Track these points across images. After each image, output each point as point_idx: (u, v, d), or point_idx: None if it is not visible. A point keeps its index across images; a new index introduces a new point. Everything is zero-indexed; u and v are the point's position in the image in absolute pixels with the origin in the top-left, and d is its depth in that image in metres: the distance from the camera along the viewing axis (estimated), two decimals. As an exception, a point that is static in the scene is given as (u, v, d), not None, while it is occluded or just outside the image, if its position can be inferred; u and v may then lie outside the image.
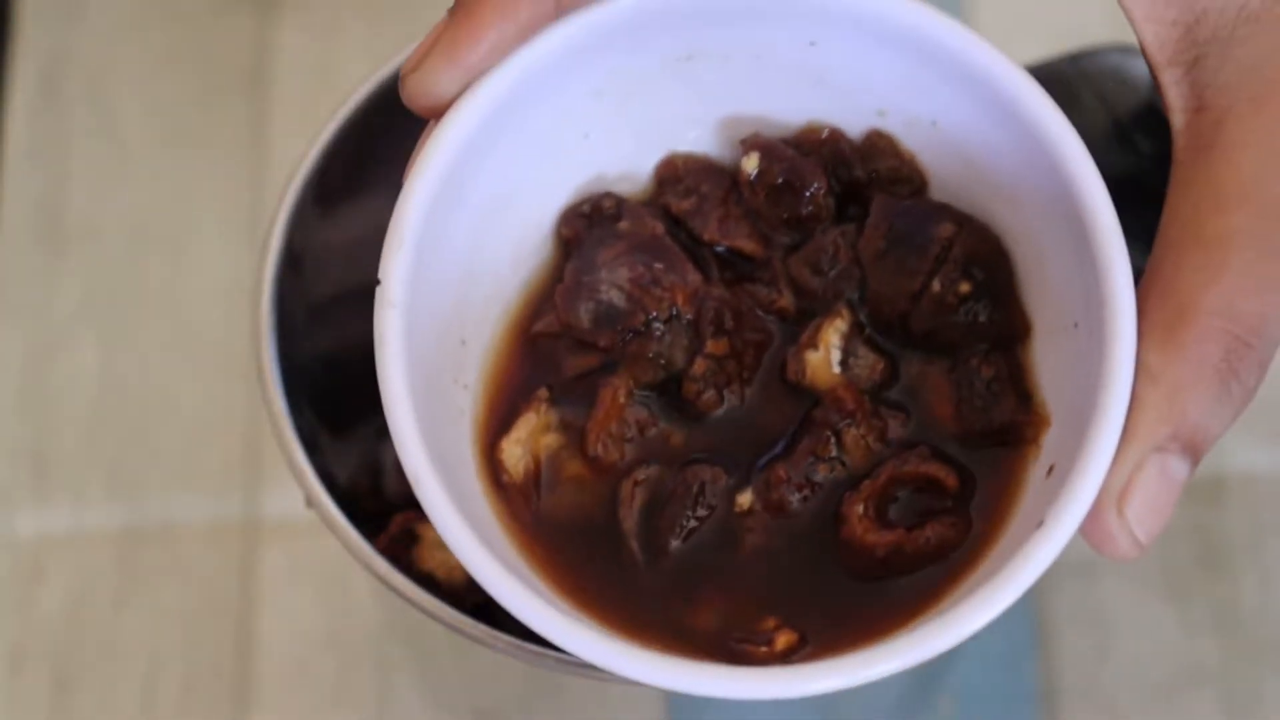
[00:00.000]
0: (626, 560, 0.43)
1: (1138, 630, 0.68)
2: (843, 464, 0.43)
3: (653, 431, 0.44)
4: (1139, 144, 0.55)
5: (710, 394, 0.44)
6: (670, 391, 0.44)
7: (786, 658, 0.41)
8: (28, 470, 0.72)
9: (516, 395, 0.44)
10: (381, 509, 0.56)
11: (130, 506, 0.71)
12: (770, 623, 0.42)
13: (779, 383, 0.44)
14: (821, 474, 0.43)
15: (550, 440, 0.44)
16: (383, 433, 0.64)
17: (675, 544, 0.42)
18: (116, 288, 0.75)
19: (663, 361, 0.44)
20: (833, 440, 0.43)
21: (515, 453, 0.43)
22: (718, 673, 0.39)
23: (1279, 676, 0.67)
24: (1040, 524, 0.39)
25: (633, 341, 0.44)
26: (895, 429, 0.43)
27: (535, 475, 0.43)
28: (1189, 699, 0.67)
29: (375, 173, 0.57)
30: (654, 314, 0.44)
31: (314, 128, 0.55)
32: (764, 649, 0.41)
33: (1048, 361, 0.43)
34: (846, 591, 0.42)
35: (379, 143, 0.56)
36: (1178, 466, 0.39)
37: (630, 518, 0.43)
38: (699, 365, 0.44)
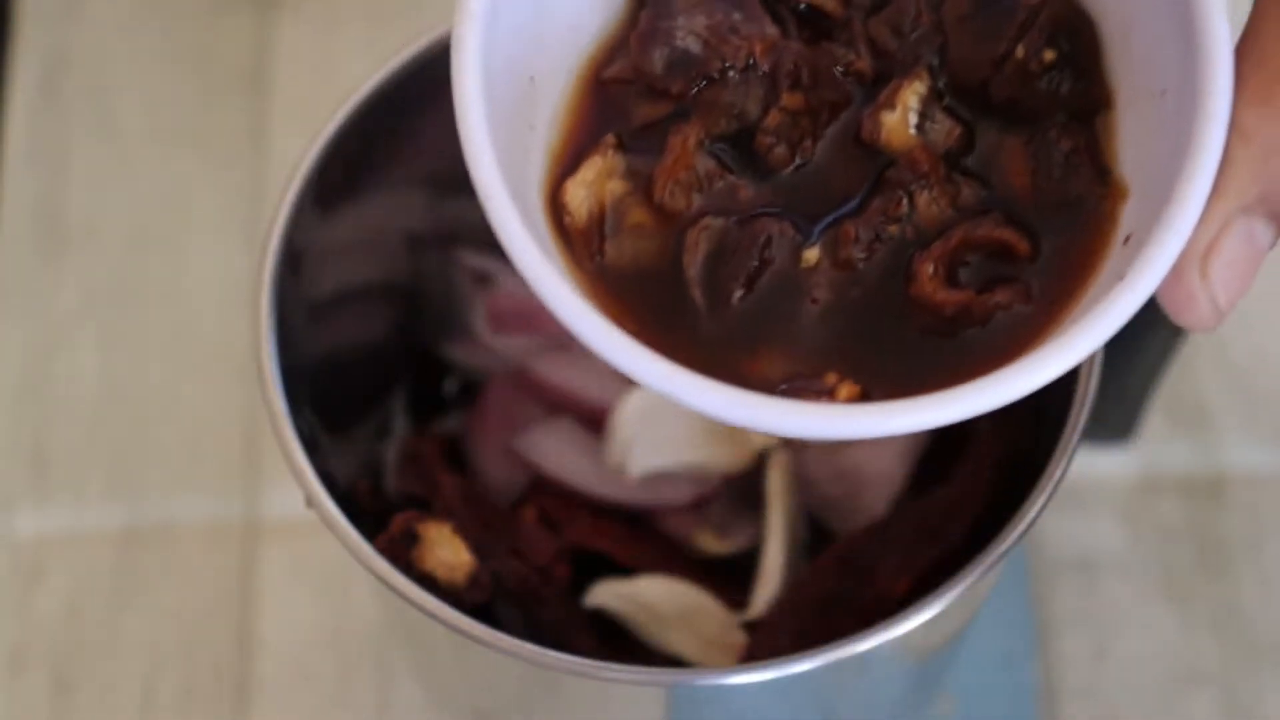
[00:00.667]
0: (689, 308, 0.42)
1: (1137, 630, 0.68)
2: (914, 225, 0.42)
3: (720, 183, 0.43)
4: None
5: (782, 148, 0.43)
6: (741, 144, 0.43)
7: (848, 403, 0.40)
8: (28, 470, 0.72)
9: (585, 143, 0.43)
10: (381, 509, 0.56)
11: (130, 506, 0.71)
12: (832, 377, 0.41)
13: (853, 143, 0.43)
14: (892, 233, 0.42)
15: (615, 186, 0.43)
16: (382, 432, 0.64)
17: (739, 294, 0.41)
18: (116, 288, 0.75)
19: (736, 111, 0.43)
20: (905, 200, 0.42)
21: (579, 195, 0.42)
22: (784, 407, 0.38)
23: (1278, 676, 0.67)
24: (1122, 277, 0.38)
25: (706, 89, 0.43)
26: (969, 195, 0.42)
27: (599, 221, 0.42)
28: (1188, 699, 0.67)
29: (375, 173, 0.57)
30: (730, 62, 0.43)
31: (314, 128, 0.55)
32: (825, 398, 0.40)
33: (1129, 134, 0.42)
34: (910, 350, 0.41)
35: (379, 143, 0.56)
36: (1263, 232, 0.38)
37: (694, 265, 0.42)
38: (773, 118, 0.43)
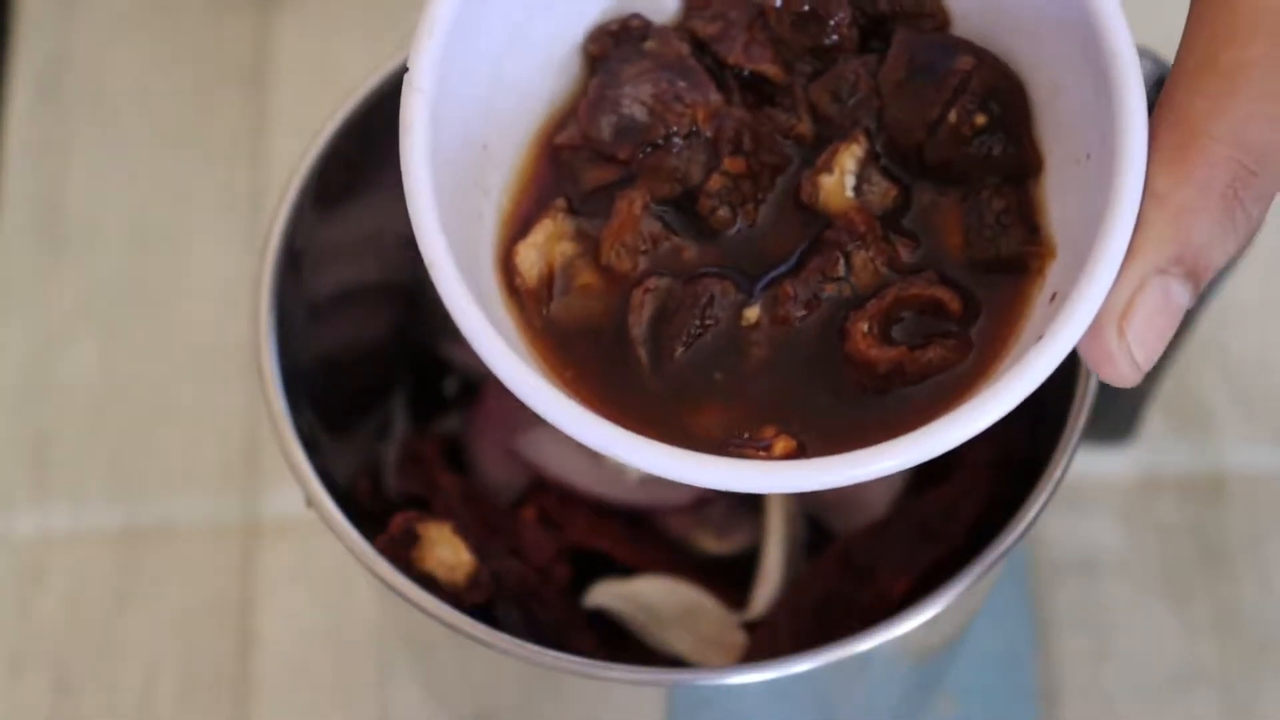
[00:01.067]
0: (633, 366, 0.43)
1: (1137, 630, 0.68)
2: (850, 284, 0.43)
3: (666, 245, 0.44)
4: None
5: (724, 211, 0.44)
6: (685, 207, 0.45)
7: (783, 459, 0.41)
8: (28, 470, 0.72)
9: (536, 205, 0.45)
10: (381, 509, 0.56)
11: (130, 506, 0.71)
12: (770, 431, 0.42)
13: (793, 205, 0.45)
14: (828, 292, 0.43)
15: (565, 248, 0.44)
16: (383, 432, 0.64)
17: (681, 351, 0.43)
18: (116, 288, 0.75)
19: (680, 176, 0.45)
20: (842, 261, 0.43)
21: (530, 257, 0.44)
22: (717, 464, 0.40)
23: (1278, 676, 0.67)
24: (1040, 337, 0.39)
25: (651, 155, 0.45)
26: (904, 255, 0.44)
27: (549, 281, 0.44)
28: (1188, 699, 0.67)
29: (375, 173, 0.57)
30: (674, 129, 0.45)
31: (314, 128, 0.55)
32: (762, 454, 0.42)
33: (1057, 195, 0.44)
34: (846, 406, 0.43)
35: (379, 143, 0.56)
36: (1179, 290, 0.39)
37: (639, 324, 0.43)
38: (715, 181, 0.44)
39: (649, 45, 0.46)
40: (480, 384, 0.65)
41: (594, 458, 0.61)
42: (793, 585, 0.59)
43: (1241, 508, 0.70)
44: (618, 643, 0.60)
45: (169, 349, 0.74)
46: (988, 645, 0.67)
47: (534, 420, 0.62)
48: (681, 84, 0.45)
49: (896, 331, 0.43)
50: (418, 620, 0.49)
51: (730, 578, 0.61)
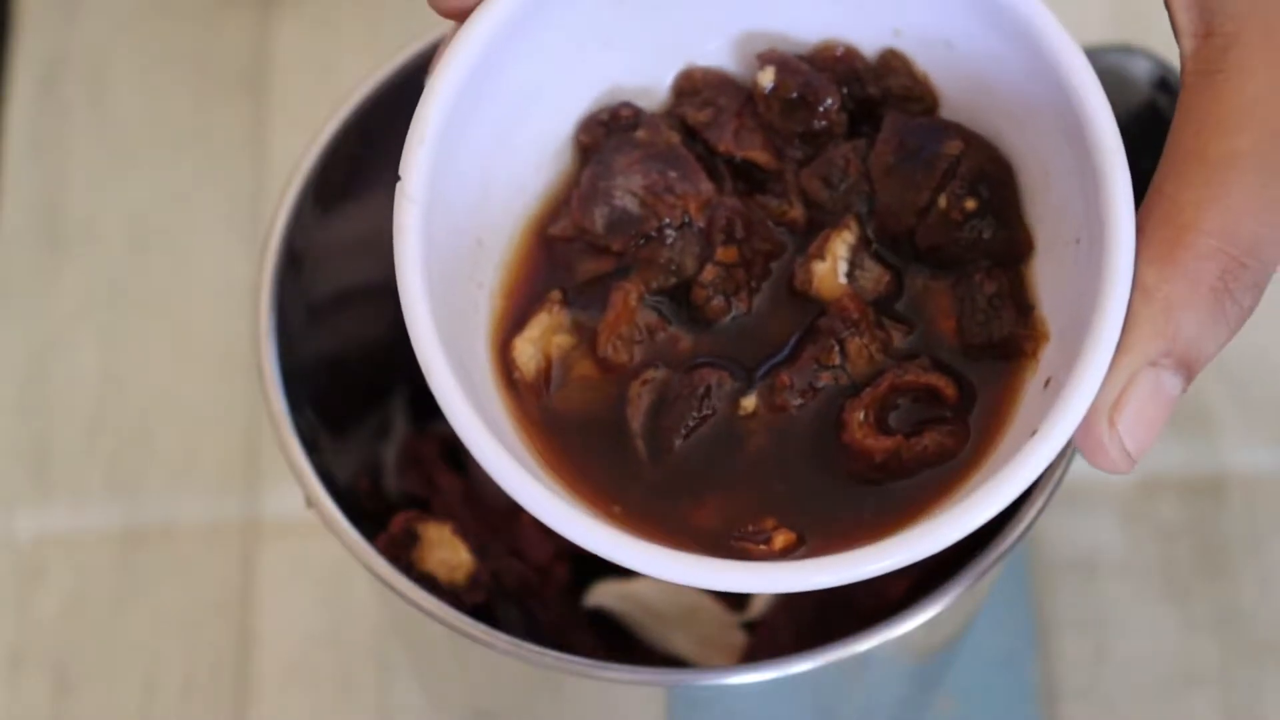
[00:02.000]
0: (632, 458, 0.44)
1: (1137, 630, 0.68)
2: (845, 372, 0.44)
3: (661, 335, 0.45)
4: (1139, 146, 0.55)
5: (719, 300, 0.45)
6: (680, 297, 0.45)
7: (784, 556, 0.42)
8: (28, 470, 0.72)
9: (531, 297, 0.45)
10: (381, 509, 0.56)
11: (130, 506, 0.71)
12: (769, 522, 0.43)
13: (786, 292, 0.45)
14: (824, 381, 0.44)
15: (562, 340, 0.45)
16: (382, 432, 0.64)
17: (679, 443, 0.43)
18: (116, 288, 0.75)
19: (674, 267, 0.45)
20: (836, 348, 0.44)
21: (528, 351, 0.44)
22: (713, 565, 0.40)
23: (1278, 676, 0.67)
24: (1034, 432, 0.40)
25: (645, 247, 0.45)
26: (898, 340, 0.44)
27: (546, 374, 0.44)
28: (1188, 699, 0.67)
29: (375, 173, 0.57)
30: (667, 220, 0.45)
31: (314, 127, 0.55)
32: (763, 547, 0.42)
33: (1048, 278, 0.44)
34: (844, 495, 0.43)
35: (379, 143, 0.56)
36: (1171, 382, 0.40)
37: (637, 417, 0.44)
38: (709, 272, 0.45)
39: (640, 135, 0.46)
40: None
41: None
42: (793, 585, 0.59)
43: (1241, 508, 0.70)
44: (618, 643, 0.60)
45: (169, 349, 0.74)
46: (987, 645, 0.67)
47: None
48: (673, 174, 0.45)
49: (892, 419, 0.43)
50: (418, 620, 0.49)
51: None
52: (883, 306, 0.45)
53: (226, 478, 0.71)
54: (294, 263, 0.54)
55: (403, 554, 0.52)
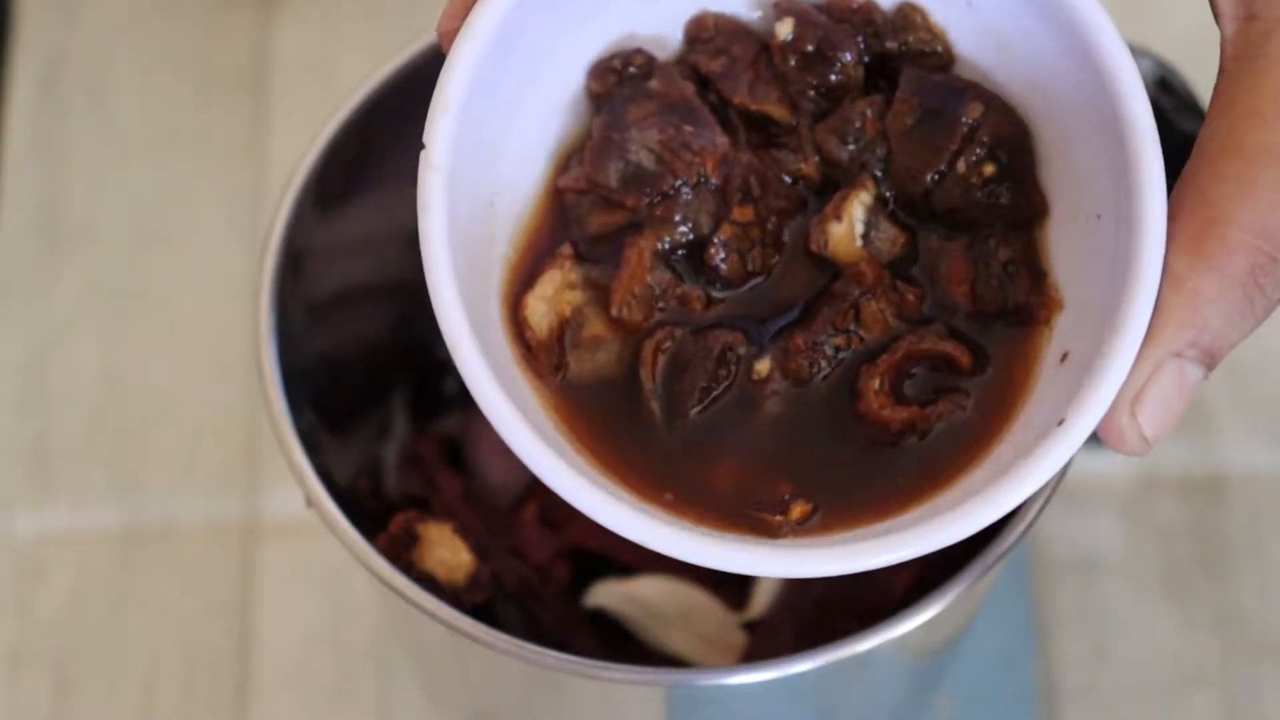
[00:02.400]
0: (646, 421, 0.43)
1: (1137, 630, 0.68)
2: (859, 336, 0.43)
3: (675, 294, 0.44)
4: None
5: (734, 259, 0.44)
6: (694, 255, 0.44)
7: (801, 525, 0.42)
8: (28, 470, 0.72)
9: (543, 253, 0.45)
10: (381, 509, 0.56)
11: (130, 506, 0.71)
12: (785, 488, 0.42)
13: (802, 252, 0.45)
14: (838, 345, 0.43)
15: (574, 297, 0.44)
16: (382, 432, 0.64)
17: (694, 409, 0.43)
18: (116, 288, 0.75)
19: (688, 225, 0.45)
20: (851, 312, 0.43)
21: (539, 309, 0.44)
22: (732, 545, 0.40)
23: (1278, 677, 0.67)
24: (1061, 422, 0.40)
25: (659, 205, 0.44)
26: (912, 304, 0.44)
27: (559, 333, 0.44)
28: (1188, 699, 0.67)
29: (375, 173, 0.57)
30: (682, 179, 0.44)
31: (314, 127, 0.55)
32: (779, 517, 0.42)
33: (1064, 247, 0.44)
34: (860, 464, 0.43)
35: (379, 143, 0.56)
36: (1194, 372, 0.40)
37: (651, 379, 0.43)
38: (725, 231, 0.44)
39: (654, 85, 0.45)
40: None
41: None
42: (793, 585, 0.59)
43: (1241, 508, 0.70)
44: (618, 643, 0.60)
45: (169, 349, 0.74)
46: (987, 645, 0.67)
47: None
48: (688, 129, 0.44)
49: (907, 387, 0.43)
50: (417, 620, 0.49)
51: (730, 578, 0.61)
52: (897, 269, 0.44)
53: (226, 478, 0.71)
54: (294, 263, 0.54)
55: (402, 554, 0.52)
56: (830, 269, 0.44)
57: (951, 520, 0.40)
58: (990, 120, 0.44)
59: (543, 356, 0.44)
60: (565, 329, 0.44)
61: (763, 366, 0.43)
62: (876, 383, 0.43)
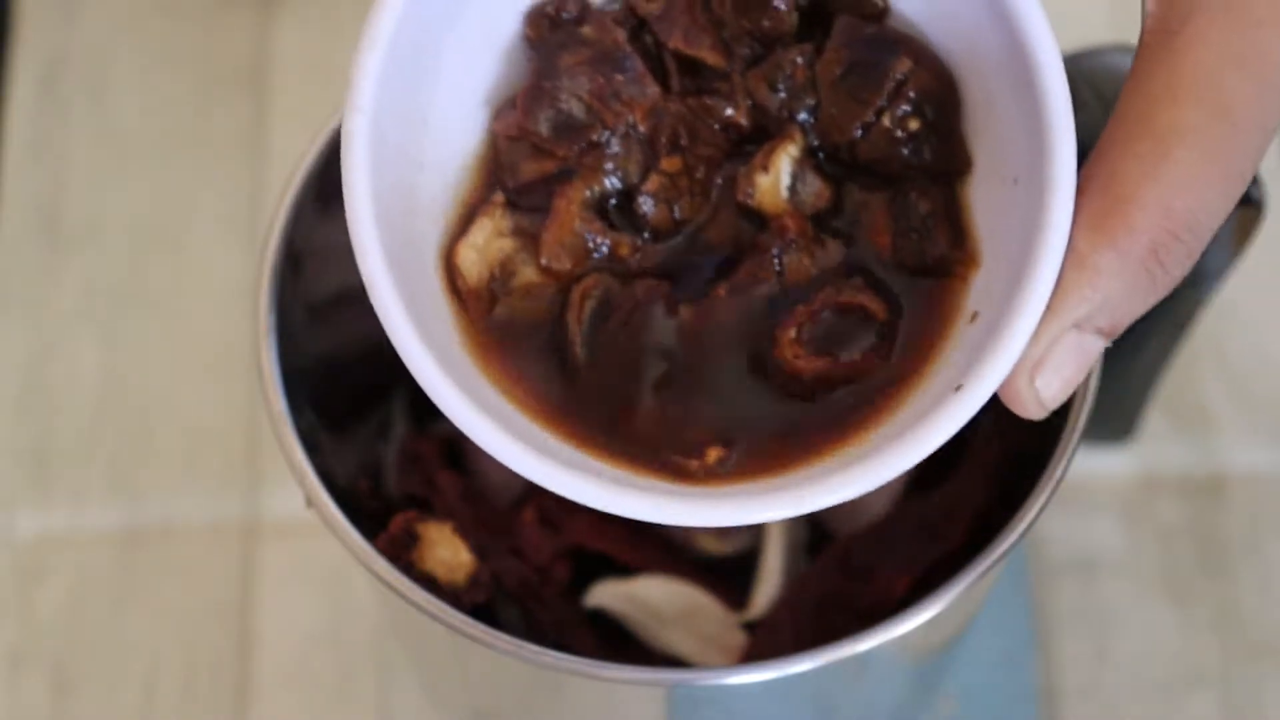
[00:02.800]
0: (571, 365, 0.44)
1: (1137, 630, 0.68)
2: (781, 288, 0.44)
3: (605, 243, 0.45)
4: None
5: (662, 209, 0.45)
6: (623, 205, 0.45)
7: (717, 470, 0.42)
8: (28, 470, 0.72)
9: (477, 197, 0.45)
10: (381, 509, 0.56)
11: (130, 506, 0.71)
12: (702, 434, 0.43)
13: (729, 202, 0.45)
14: (760, 295, 0.44)
15: (505, 245, 0.45)
16: (382, 432, 0.64)
17: (618, 354, 0.44)
18: (116, 288, 0.75)
19: (618, 174, 0.45)
20: (774, 264, 0.44)
21: (470, 257, 0.44)
22: (645, 495, 0.41)
23: (1278, 677, 0.67)
24: (959, 388, 0.41)
25: (589, 154, 0.45)
26: (834, 255, 0.44)
27: (489, 281, 0.44)
28: (1189, 699, 0.67)
29: (375, 172, 0.57)
30: (610, 129, 0.45)
31: (314, 127, 0.55)
32: (695, 461, 0.42)
33: (984, 206, 0.44)
34: (775, 410, 0.44)
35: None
36: (1093, 343, 0.41)
37: (577, 324, 0.44)
38: (653, 182, 0.45)
39: (586, 31, 0.45)
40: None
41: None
42: (793, 585, 0.59)
43: (1241, 508, 0.70)
44: (618, 643, 0.60)
45: (169, 349, 0.74)
46: (987, 645, 0.67)
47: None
48: (619, 78, 0.45)
49: (823, 337, 0.44)
50: (417, 620, 0.49)
51: (730, 578, 0.61)
52: (822, 221, 0.45)
53: (226, 478, 0.71)
54: (294, 263, 0.54)
55: (403, 554, 0.52)
56: (757, 219, 0.45)
57: (843, 479, 0.41)
58: (918, 76, 0.44)
59: (473, 304, 0.44)
60: (496, 277, 0.44)
61: (687, 314, 0.44)
62: (792, 332, 0.43)
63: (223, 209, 0.76)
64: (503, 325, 0.44)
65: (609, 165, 0.45)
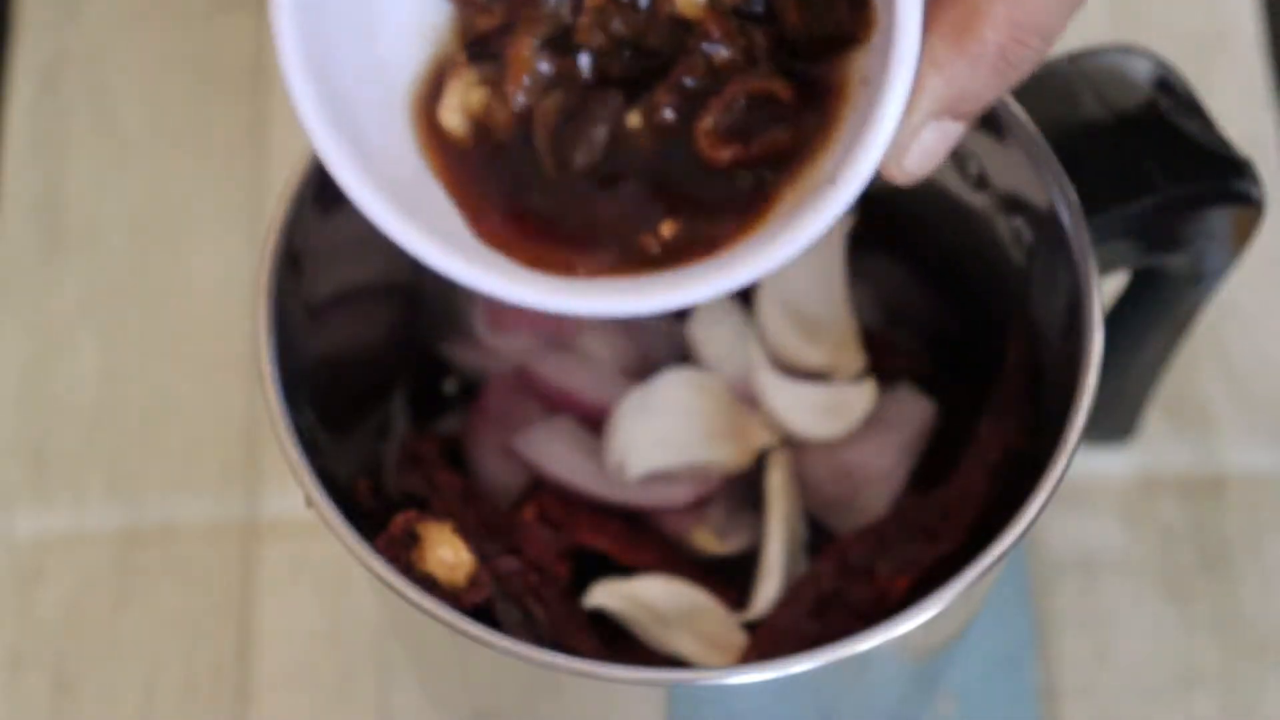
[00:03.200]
0: (544, 173, 0.48)
1: (1137, 631, 0.68)
2: (715, 81, 0.48)
3: (560, 72, 0.49)
4: (1142, 145, 0.55)
5: (600, 36, 0.48)
6: (567, 38, 0.49)
7: (670, 242, 0.47)
8: (27, 470, 0.72)
9: (441, 62, 0.50)
10: (381, 509, 0.56)
11: (130, 506, 0.71)
12: (658, 211, 0.48)
13: (657, 17, 0.49)
14: (693, 92, 0.48)
15: (478, 94, 0.49)
16: (382, 432, 0.64)
17: (580, 156, 0.48)
18: (116, 287, 0.75)
19: (554, 18, 0.49)
20: (703, 63, 0.48)
21: (453, 120, 0.49)
22: (598, 290, 0.47)
23: (1278, 677, 0.67)
24: (832, 181, 0.45)
25: (526, 5, 0.49)
26: (760, 41, 0.48)
27: (478, 128, 0.49)
28: (1189, 700, 0.67)
29: (375, 172, 0.57)
30: None
31: (314, 127, 0.55)
32: (651, 236, 0.48)
33: None
34: (708, 191, 0.48)
35: (379, 142, 0.56)
36: (952, 128, 0.46)
37: (544, 137, 0.48)
38: (584, 19, 0.48)
39: None
40: (480, 383, 0.65)
41: (594, 458, 0.61)
42: (793, 585, 0.59)
43: (1242, 508, 0.70)
44: (618, 643, 0.60)
45: (169, 349, 0.74)
46: (987, 645, 0.67)
47: (534, 419, 0.63)
48: None
49: (737, 125, 0.47)
50: (417, 620, 0.49)
51: (731, 578, 0.61)
52: (742, 11, 0.48)
53: (226, 478, 0.71)
54: (293, 262, 0.54)
55: (403, 554, 0.52)
56: (685, 26, 0.48)
57: (728, 268, 0.46)
58: None
59: (468, 155, 0.49)
60: (479, 124, 0.49)
61: (634, 118, 0.48)
62: (709, 122, 0.47)
63: (222, 208, 0.76)
64: (483, 163, 0.49)
65: (544, 11, 0.49)
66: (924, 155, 0.46)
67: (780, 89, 0.47)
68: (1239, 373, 0.72)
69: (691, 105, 0.48)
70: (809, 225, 0.45)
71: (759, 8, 0.48)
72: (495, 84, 0.49)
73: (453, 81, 0.49)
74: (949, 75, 0.44)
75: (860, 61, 0.47)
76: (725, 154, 0.47)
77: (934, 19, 0.44)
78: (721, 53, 0.48)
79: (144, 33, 0.80)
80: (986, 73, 0.44)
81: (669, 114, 0.48)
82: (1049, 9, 0.44)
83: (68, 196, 0.77)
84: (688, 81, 0.48)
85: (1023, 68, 0.44)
